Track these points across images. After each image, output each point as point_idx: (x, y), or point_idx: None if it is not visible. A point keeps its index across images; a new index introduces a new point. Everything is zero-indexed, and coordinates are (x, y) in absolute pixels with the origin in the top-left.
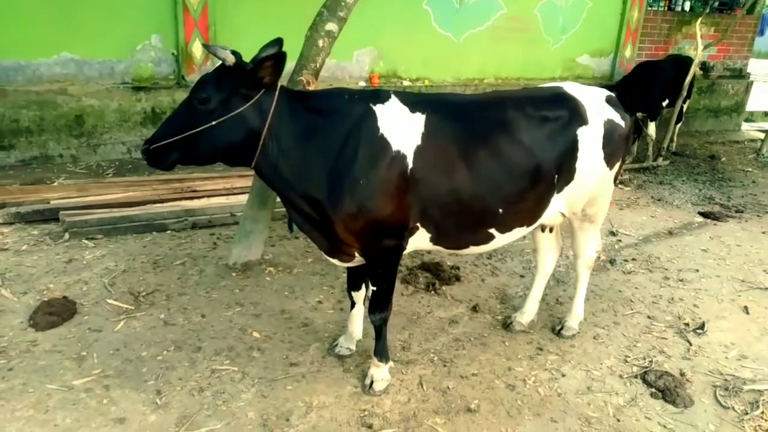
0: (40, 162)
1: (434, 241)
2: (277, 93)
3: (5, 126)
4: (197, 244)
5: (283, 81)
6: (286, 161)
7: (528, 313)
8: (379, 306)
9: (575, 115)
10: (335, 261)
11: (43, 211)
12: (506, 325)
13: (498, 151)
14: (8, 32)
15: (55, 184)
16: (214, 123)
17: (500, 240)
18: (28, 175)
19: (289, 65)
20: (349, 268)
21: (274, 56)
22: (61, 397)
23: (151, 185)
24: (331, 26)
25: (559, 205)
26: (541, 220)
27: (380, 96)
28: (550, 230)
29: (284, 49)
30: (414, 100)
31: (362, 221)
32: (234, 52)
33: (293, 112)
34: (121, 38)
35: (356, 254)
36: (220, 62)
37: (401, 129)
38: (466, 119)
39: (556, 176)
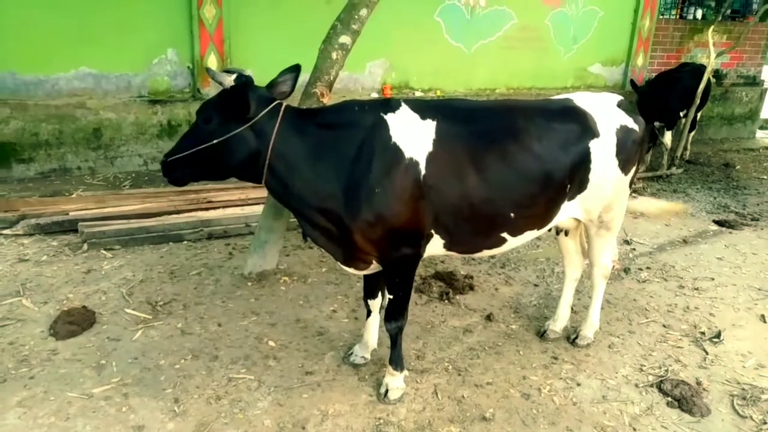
0: (59, 174)
1: (448, 246)
2: (280, 115)
3: (25, 139)
4: (213, 254)
5: (297, 93)
6: (298, 178)
7: (561, 320)
8: (396, 315)
9: (586, 128)
10: (351, 270)
11: (62, 222)
12: (541, 334)
13: (508, 156)
14: (28, 47)
15: (73, 195)
16: (215, 142)
17: (512, 243)
18: (47, 187)
19: (303, 77)
20: (365, 277)
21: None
22: (82, 404)
23: (168, 196)
24: (344, 39)
25: (573, 211)
26: (552, 224)
27: (391, 105)
28: (566, 233)
29: (300, 61)
30: (424, 107)
31: (380, 230)
32: (238, 77)
33: (301, 130)
34: (137, 52)
35: (373, 261)
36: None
37: (413, 136)
38: (476, 125)
39: (568, 186)
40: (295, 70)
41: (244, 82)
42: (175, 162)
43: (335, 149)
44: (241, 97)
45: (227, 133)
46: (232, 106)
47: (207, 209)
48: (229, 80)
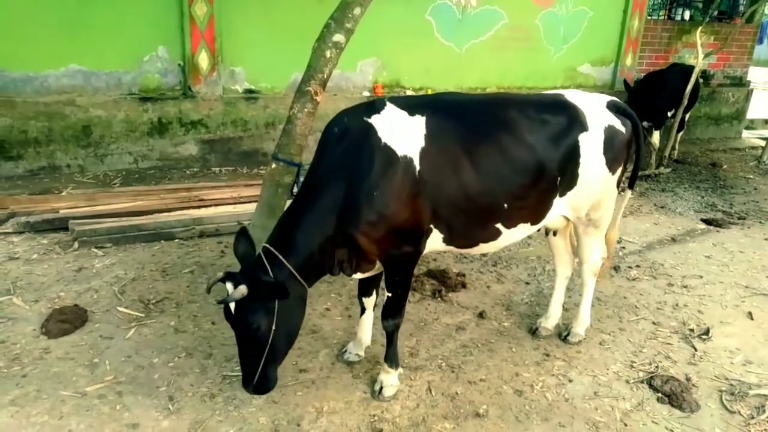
0: (48, 172)
1: (447, 241)
2: (271, 248)
3: (14, 137)
4: (205, 253)
5: (290, 92)
6: (320, 245)
7: (552, 318)
8: (393, 312)
9: (575, 121)
10: (358, 275)
11: (53, 220)
12: (533, 331)
13: (499, 146)
14: (17, 45)
15: (63, 193)
16: (274, 327)
17: (507, 236)
18: (36, 185)
19: (296, 76)
20: None
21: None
22: (75, 403)
23: (159, 194)
24: (338, 37)
25: (562, 209)
26: (545, 221)
27: (375, 107)
28: (554, 233)
29: (291, 59)
30: (412, 104)
31: (382, 230)
32: (238, 281)
33: (294, 223)
34: (128, 50)
35: (376, 261)
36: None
37: (403, 133)
38: (466, 117)
39: (559, 178)
40: (244, 233)
41: (255, 277)
42: (261, 376)
43: (332, 184)
44: (277, 279)
45: (273, 312)
46: (265, 295)
47: (199, 207)
48: (240, 288)
